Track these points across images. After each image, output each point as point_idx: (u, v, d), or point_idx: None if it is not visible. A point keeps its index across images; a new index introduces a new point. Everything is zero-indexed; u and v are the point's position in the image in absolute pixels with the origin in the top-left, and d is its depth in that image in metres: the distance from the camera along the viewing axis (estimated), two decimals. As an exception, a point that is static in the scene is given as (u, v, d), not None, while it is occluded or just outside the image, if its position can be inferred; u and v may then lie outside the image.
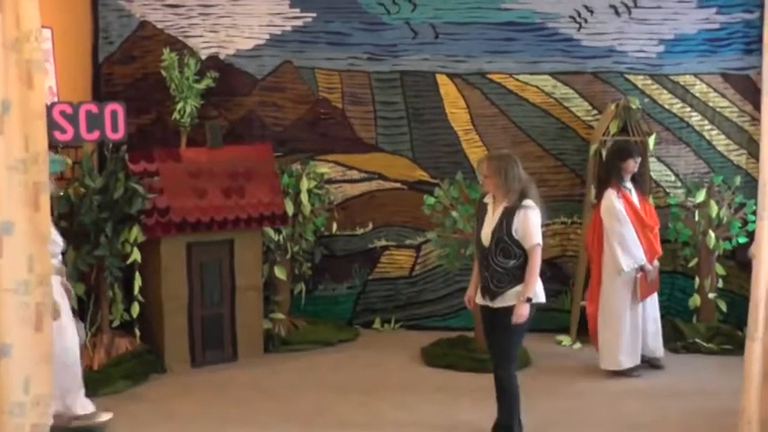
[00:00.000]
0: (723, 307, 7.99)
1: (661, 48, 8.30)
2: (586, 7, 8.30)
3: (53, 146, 6.90)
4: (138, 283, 7.24)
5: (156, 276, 7.32)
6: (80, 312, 7.16)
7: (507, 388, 5.68)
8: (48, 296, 5.22)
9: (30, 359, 5.12)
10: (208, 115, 8.25)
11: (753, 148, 8.09)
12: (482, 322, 5.88)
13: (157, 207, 7.20)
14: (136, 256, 7.14)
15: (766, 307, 5.15)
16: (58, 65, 7.65)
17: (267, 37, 8.53)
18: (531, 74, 8.41)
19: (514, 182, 5.56)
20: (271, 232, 7.89)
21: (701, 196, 7.93)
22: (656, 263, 7.14)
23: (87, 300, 7.23)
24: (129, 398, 6.60)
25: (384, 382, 7.10)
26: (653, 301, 7.25)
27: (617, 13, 8.30)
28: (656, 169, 8.21)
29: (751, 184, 7.66)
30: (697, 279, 8.04)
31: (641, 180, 7.27)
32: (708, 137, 8.37)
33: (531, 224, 5.52)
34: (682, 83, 8.33)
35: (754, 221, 6.63)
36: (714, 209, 7.89)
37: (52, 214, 6.72)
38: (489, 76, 8.46)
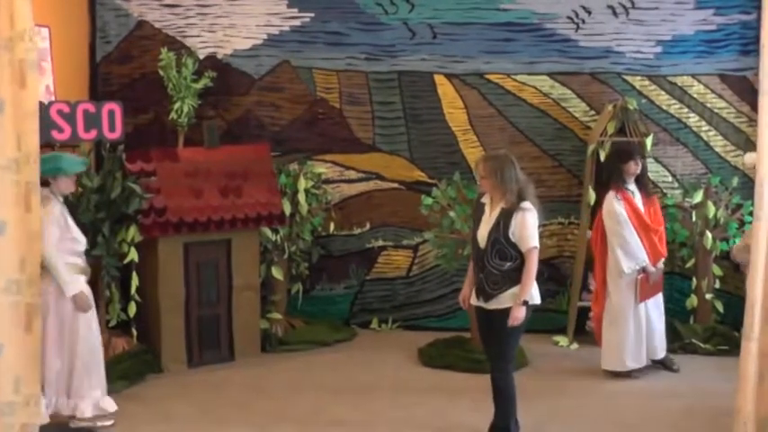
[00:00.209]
0: (720, 308, 7.99)
1: (658, 49, 8.30)
2: (584, 8, 8.30)
3: (51, 145, 6.93)
4: (135, 282, 7.23)
5: (153, 276, 7.32)
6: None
7: (504, 389, 5.67)
8: (37, 296, 5.22)
9: (20, 359, 5.15)
10: (205, 115, 8.25)
11: (750, 149, 8.06)
12: (477, 322, 5.87)
13: (154, 207, 7.20)
14: (133, 255, 7.14)
15: (762, 307, 5.16)
16: (56, 64, 7.64)
17: (265, 37, 8.53)
18: (529, 74, 8.41)
19: (511, 182, 5.54)
20: (268, 232, 7.88)
21: (698, 197, 7.93)
22: (660, 264, 7.14)
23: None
24: (125, 398, 6.58)
25: (381, 383, 7.10)
26: (658, 303, 7.25)
27: (614, 13, 8.30)
28: (654, 170, 8.20)
29: (748, 185, 7.66)
30: (694, 280, 8.05)
31: (645, 181, 7.24)
32: (705, 138, 8.37)
33: (528, 227, 5.50)
34: (679, 84, 8.33)
35: (751, 222, 6.64)
36: (711, 210, 7.90)
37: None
38: (487, 76, 8.46)
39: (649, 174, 8.00)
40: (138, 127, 8.45)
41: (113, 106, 7.02)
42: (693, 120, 8.36)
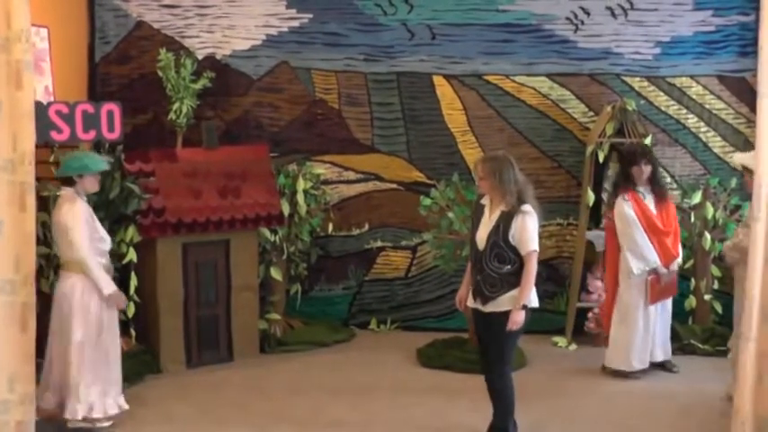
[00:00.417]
0: (718, 308, 7.99)
1: (657, 50, 8.31)
2: (583, 9, 8.31)
3: (50, 145, 6.93)
4: (133, 283, 7.22)
5: (151, 276, 7.32)
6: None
7: (503, 391, 5.65)
8: (31, 296, 5.23)
9: (15, 358, 5.16)
10: (204, 115, 8.25)
11: (748, 150, 8.08)
12: (473, 323, 5.84)
13: (153, 207, 7.20)
14: (132, 256, 7.13)
15: (760, 308, 5.17)
16: (55, 64, 7.64)
17: (264, 37, 8.53)
18: (528, 75, 8.42)
19: (510, 184, 5.51)
20: (267, 233, 7.88)
21: (696, 198, 7.94)
22: (673, 266, 7.13)
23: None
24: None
25: (379, 383, 7.10)
26: (665, 307, 7.27)
27: (613, 15, 8.31)
28: (653, 171, 8.22)
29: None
30: (693, 280, 8.05)
31: (657, 184, 7.18)
32: (704, 139, 8.38)
33: (528, 230, 5.47)
34: (678, 85, 8.34)
35: (741, 222, 6.66)
36: (710, 210, 7.91)
37: (49, 214, 6.77)
38: (486, 77, 8.46)
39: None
40: (136, 127, 8.45)
41: (112, 107, 7.03)
42: (692, 121, 8.37)
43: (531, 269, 5.49)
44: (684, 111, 8.36)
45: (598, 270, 8.06)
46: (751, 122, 8.04)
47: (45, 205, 6.69)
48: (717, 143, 8.35)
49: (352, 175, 8.63)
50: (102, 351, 5.98)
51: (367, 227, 8.65)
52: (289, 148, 8.51)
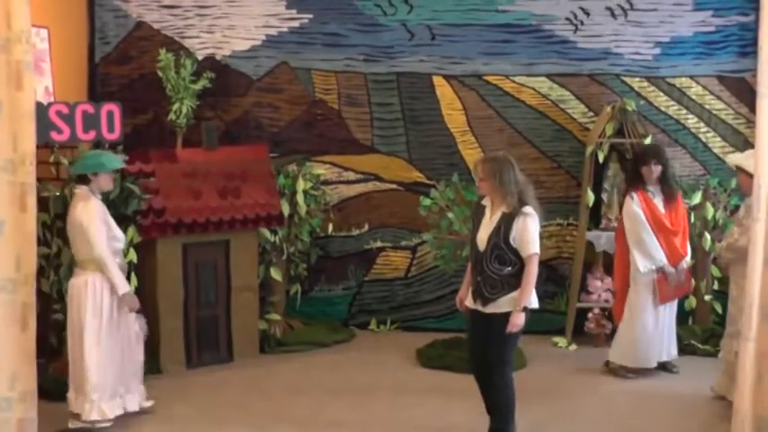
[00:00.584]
0: (718, 309, 7.99)
1: (657, 50, 8.31)
2: (582, 9, 8.31)
3: (50, 146, 6.93)
4: (133, 283, 7.18)
5: (151, 277, 7.31)
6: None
7: (503, 392, 5.64)
8: (32, 296, 5.25)
9: (16, 357, 5.20)
10: (204, 116, 8.25)
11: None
12: (470, 324, 5.78)
13: (153, 208, 7.19)
14: (131, 256, 7.11)
15: (760, 308, 5.17)
16: (55, 65, 7.65)
17: (263, 38, 8.53)
18: (528, 76, 8.42)
19: (510, 185, 5.50)
20: (266, 233, 7.88)
21: (696, 198, 7.94)
22: (682, 265, 7.14)
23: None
24: (124, 398, 6.57)
25: (379, 384, 7.10)
26: (673, 306, 7.29)
27: (613, 15, 8.31)
28: (652, 171, 8.22)
29: (746, 187, 7.67)
30: (693, 281, 8.04)
31: (667, 184, 7.17)
32: (704, 139, 8.38)
33: (529, 232, 5.46)
34: (678, 85, 8.34)
35: (733, 223, 6.67)
36: (710, 211, 7.91)
37: (49, 214, 6.79)
38: (486, 77, 8.46)
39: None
40: (136, 128, 8.45)
41: (112, 107, 7.03)
42: (692, 121, 8.37)
43: (532, 271, 5.48)
44: (684, 111, 8.36)
45: (598, 270, 8.07)
46: (751, 123, 8.04)
47: (45, 205, 6.69)
48: (716, 143, 8.35)
49: (351, 176, 8.63)
50: (114, 351, 6.00)
51: (367, 227, 8.65)
52: (288, 149, 8.51)
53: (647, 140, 7.75)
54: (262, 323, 7.86)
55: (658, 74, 8.32)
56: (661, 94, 8.36)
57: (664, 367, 7.31)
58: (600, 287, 8.04)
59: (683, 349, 7.73)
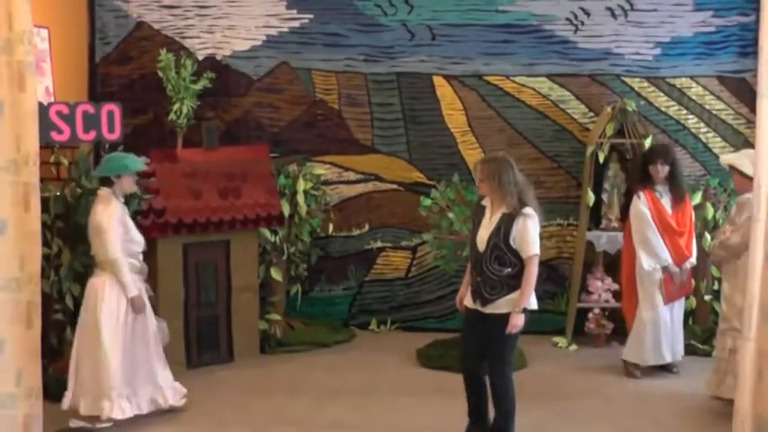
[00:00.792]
0: (718, 309, 7.97)
1: (657, 50, 8.31)
2: (583, 10, 8.32)
3: (51, 146, 6.93)
4: (134, 283, 7.22)
5: (152, 277, 7.28)
6: (76, 313, 7.15)
7: (503, 392, 5.64)
8: (36, 294, 5.27)
9: (21, 354, 5.26)
10: (204, 116, 8.25)
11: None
12: (467, 324, 5.77)
13: (153, 208, 7.20)
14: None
15: (759, 308, 5.17)
16: (55, 65, 7.65)
17: (264, 38, 8.54)
18: (528, 76, 8.42)
19: (510, 185, 5.50)
20: (267, 233, 7.89)
21: (696, 198, 7.93)
22: (686, 266, 7.16)
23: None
24: (124, 398, 6.57)
25: (379, 384, 7.10)
26: (680, 305, 7.30)
27: (613, 15, 8.31)
28: (652, 171, 8.22)
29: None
30: (693, 281, 8.05)
31: (675, 184, 7.18)
32: (704, 139, 8.39)
33: (529, 233, 5.46)
34: (678, 85, 8.34)
35: (725, 221, 6.67)
36: (710, 211, 7.92)
37: (50, 214, 6.79)
38: (486, 78, 8.47)
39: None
40: (137, 128, 8.46)
41: (112, 107, 7.04)
42: (692, 121, 8.37)
43: (532, 273, 5.48)
44: (684, 111, 8.36)
45: (598, 270, 8.07)
46: (751, 123, 8.04)
47: (45, 206, 6.69)
48: (717, 144, 8.35)
49: (352, 176, 8.63)
50: (129, 353, 6.03)
51: (367, 227, 8.65)
52: (289, 149, 8.51)
53: (648, 141, 7.75)
54: (262, 323, 7.86)
55: (659, 74, 8.33)
56: (661, 94, 8.37)
57: (664, 367, 7.31)
58: (600, 287, 8.04)
59: (683, 349, 7.74)
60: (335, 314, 8.65)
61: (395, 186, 8.61)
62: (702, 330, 7.93)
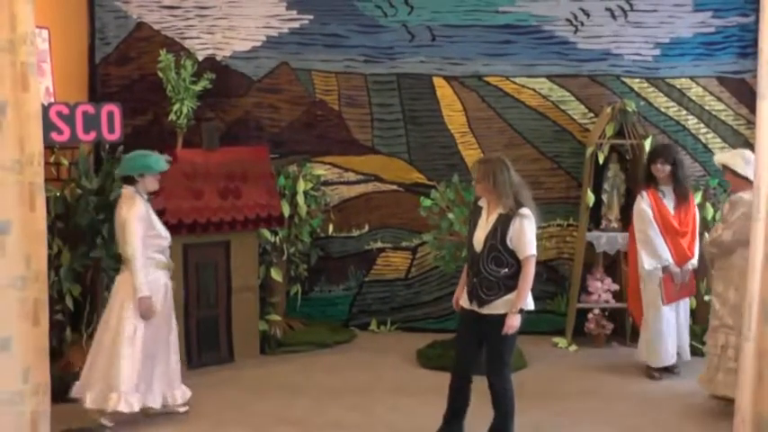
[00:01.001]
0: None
1: (657, 51, 8.32)
2: (583, 10, 8.32)
3: (51, 146, 6.93)
4: (134, 284, 7.22)
5: (151, 277, 7.31)
6: (76, 314, 7.17)
7: (502, 393, 5.62)
8: (43, 293, 5.34)
9: (29, 351, 5.31)
10: (204, 116, 8.26)
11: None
12: (463, 324, 5.76)
13: (154, 208, 7.18)
14: (132, 257, 7.13)
15: (759, 307, 5.18)
16: (55, 65, 7.65)
17: (264, 39, 8.54)
18: (528, 77, 8.43)
19: (505, 186, 5.50)
20: (267, 234, 7.89)
21: (696, 199, 7.92)
22: (687, 267, 7.16)
23: (83, 301, 7.22)
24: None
25: (379, 384, 7.10)
26: (685, 306, 7.31)
27: (613, 16, 8.32)
28: (652, 172, 8.23)
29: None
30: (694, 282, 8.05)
31: (679, 184, 7.18)
32: (704, 140, 8.39)
33: (526, 234, 5.46)
34: (678, 86, 8.35)
35: (720, 220, 6.68)
36: (710, 212, 7.92)
37: (50, 215, 6.79)
38: (486, 78, 8.47)
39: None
40: (137, 128, 8.46)
41: (112, 108, 7.04)
42: (692, 122, 8.38)
43: (529, 273, 5.48)
44: (684, 112, 8.37)
45: (598, 271, 8.08)
46: (751, 124, 8.05)
47: (46, 206, 6.68)
48: (717, 144, 8.35)
49: (352, 176, 8.63)
50: (150, 348, 6.09)
51: (367, 228, 8.66)
52: (289, 149, 8.51)
53: (648, 141, 7.76)
54: (262, 324, 7.86)
55: (658, 75, 8.34)
56: (661, 94, 8.37)
57: (666, 368, 7.31)
58: (600, 288, 8.04)
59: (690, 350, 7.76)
60: (335, 315, 8.65)
61: (395, 187, 8.62)
62: (703, 330, 7.87)
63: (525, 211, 5.50)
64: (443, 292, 8.49)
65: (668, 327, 7.13)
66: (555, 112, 8.44)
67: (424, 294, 8.63)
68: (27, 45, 5.17)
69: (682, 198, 7.16)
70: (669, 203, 7.14)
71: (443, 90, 8.53)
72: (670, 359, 7.19)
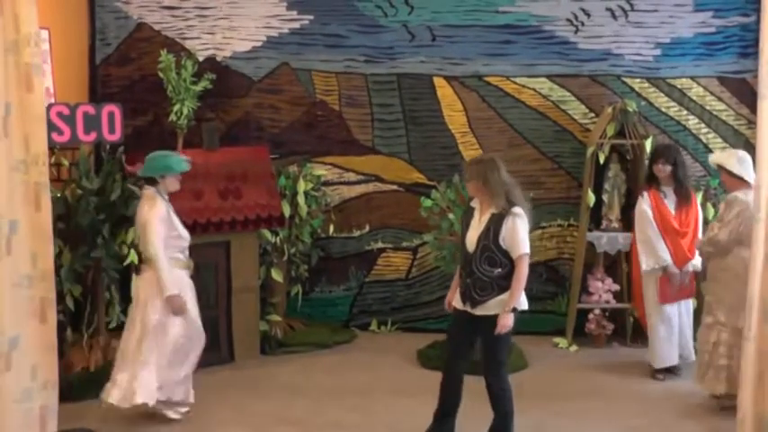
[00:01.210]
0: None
1: (658, 51, 8.31)
2: (583, 10, 8.32)
3: (51, 147, 6.93)
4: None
5: (152, 278, 7.31)
6: (77, 314, 7.17)
7: (500, 393, 5.63)
8: (50, 291, 5.42)
9: (36, 348, 5.37)
10: (204, 117, 8.25)
11: (749, 152, 8.07)
12: (454, 323, 5.78)
13: (154, 208, 7.19)
14: (132, 257, 7.11)
15: (759, 308, 5.17)
16: (55, 66, 7.65)
17: (264, 39, 8.54)
18: (528, 77, 8.42)
19: (496, 186, 5.51)
20: (267, 234, 7.89)
21: (697, 199, 7.93)
22: (687, 268, 7.14)
23: (84, 301, 7.22)
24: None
25: (380, 385, 7.10)
26: (688, 308, 7.31)
27: (614, 16, 8.31)
28: (653, 172, 8.22)
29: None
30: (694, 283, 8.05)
31: (681, 185, 7.18)
32: (704, 140, 8.39)
33: (518, 233, 5.47)
34: (678, 86, 8.35)
35: (716, 219, 6.68)
36: (710, 212, 7.91)
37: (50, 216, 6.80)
38: (486, 78, 8.47)
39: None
40: (137, 129, 8.46)
41: (113, 108, 7.04)
42: (693, 122, 8.37)
43: (522, 272, 5.48)
44: (685, 112, 8.36)
45: (598, 271, 8.07)
46: (751, 124, 8.05)
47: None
48: (717, 144, 8.35)
49: (352, 177, 8.63)
50: (174, 345, 6.16)
51: (367, 228, 8.66)
52: (289, 150, 8.50)
53: (648, 141, 7.75)
54: (262, 324, 7.86)
55: (659, 75, 8.33)
56: (662, 94, 8.37)
57: (668, 368, 7.31)
58: (600, 288, 8.04)
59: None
60: (336, 315, 8.65)
61: (395, 187, 8.62)
62: (703, 331, 7.91)
63: (518, 210, 5.51)
64: (444, 293, 8.28)
65: (670, 328, 7.13)
66: (555, 112, 8.44)
67: (424, 295, 8.63)
68: (31, 46, 5.20)
69: (683, 199, 7.16)
70: (670, 204, 7.15)
71: (444, 90, 8.53)
72: (672, 360, 7.18)
